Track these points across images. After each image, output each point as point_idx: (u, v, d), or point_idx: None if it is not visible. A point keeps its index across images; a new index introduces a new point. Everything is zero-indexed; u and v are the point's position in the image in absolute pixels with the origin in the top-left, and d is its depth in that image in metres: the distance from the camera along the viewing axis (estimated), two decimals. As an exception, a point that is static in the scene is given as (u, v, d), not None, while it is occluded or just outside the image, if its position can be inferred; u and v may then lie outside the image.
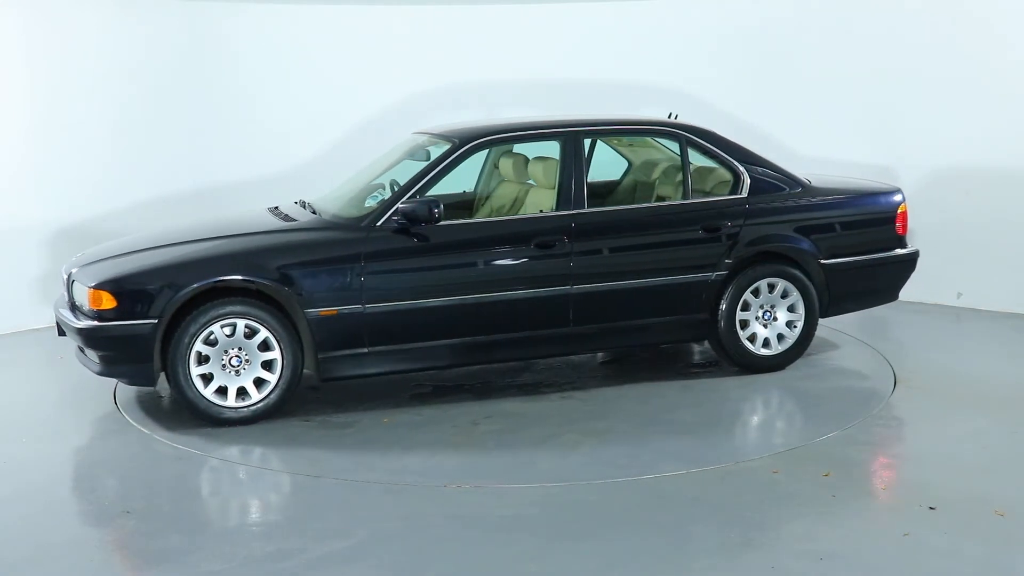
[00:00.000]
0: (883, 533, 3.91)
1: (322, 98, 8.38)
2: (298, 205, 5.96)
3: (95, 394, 5.82)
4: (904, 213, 6.21)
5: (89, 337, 5.10)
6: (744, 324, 5.85)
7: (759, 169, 5.95)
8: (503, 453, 4.86)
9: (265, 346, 5.19)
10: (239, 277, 5.11)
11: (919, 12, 7.59)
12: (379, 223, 5.34)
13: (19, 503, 4.39)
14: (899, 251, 6.20)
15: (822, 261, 5.91)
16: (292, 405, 5.45)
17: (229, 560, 3.79)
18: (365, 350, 5.30)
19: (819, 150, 8.02)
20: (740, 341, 5.84)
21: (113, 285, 5.07)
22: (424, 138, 6.00)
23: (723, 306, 5.77)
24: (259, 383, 5.22)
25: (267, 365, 5.21)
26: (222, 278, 5.09)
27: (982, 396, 5.56)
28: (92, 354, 5.20)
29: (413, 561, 3.75)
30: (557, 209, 5.60)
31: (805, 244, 5.89)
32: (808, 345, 5.99)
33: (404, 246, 5.34)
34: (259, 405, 5.21)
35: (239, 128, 8.19)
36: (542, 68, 8.45)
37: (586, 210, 5.61)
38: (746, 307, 5.83)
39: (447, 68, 8.43)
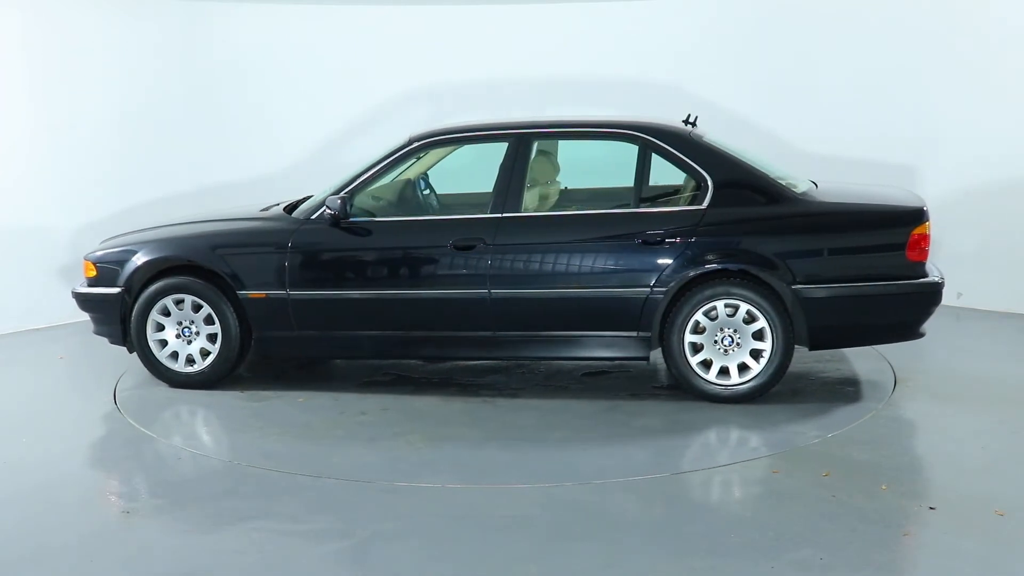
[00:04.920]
0: (883, 533, 3.91)
1: (324, 97, 8.39)
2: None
3: (95, 394, 5.86)
4: (922, 236, 5.24)
5: (79, 299, 6.03)
6: (699, 349, 5.36)
7: (731, 178, 5.35)
8: (336, 443, 5.00)
9: (211, 320, 5.75)
10: (177, 256, 5.74)
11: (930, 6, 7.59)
12: (313, 216, 5.66)
13: (19, 503, 4.40)
14: (908, 281, 5.27)
15: (795, 286, 5.23)
16: (291, 394, 5.44)
17: (229, 560, 3.79)
18: (294, 333, 5.66)
19: (834, 148, 7.98)
20: (689, 367, 5.35)
21: (95, 258, 5.96)
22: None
23: (668, 327, 5.33)
24: (206, 353, 5.81)
25: (213, 337, 5.76)
26: (164, 256, 5.76)
27: (982, 396, 5.56)
28: (87, 315, 6.07)
29: (413, 561, 3.76)
30: (491, 211, 5.51)
31: (774, 265, 5.22)
32: (779, 380, 5.35)
33: (327, 239, 5.60)
34: (204, 371, 5.81)
35: (243, 128, 8.20)
36: (548, 67, 8.46)
37: (513, 214, 5.46)
38: (701, 330, 5.35)
39: (452, 67, 8.44)
